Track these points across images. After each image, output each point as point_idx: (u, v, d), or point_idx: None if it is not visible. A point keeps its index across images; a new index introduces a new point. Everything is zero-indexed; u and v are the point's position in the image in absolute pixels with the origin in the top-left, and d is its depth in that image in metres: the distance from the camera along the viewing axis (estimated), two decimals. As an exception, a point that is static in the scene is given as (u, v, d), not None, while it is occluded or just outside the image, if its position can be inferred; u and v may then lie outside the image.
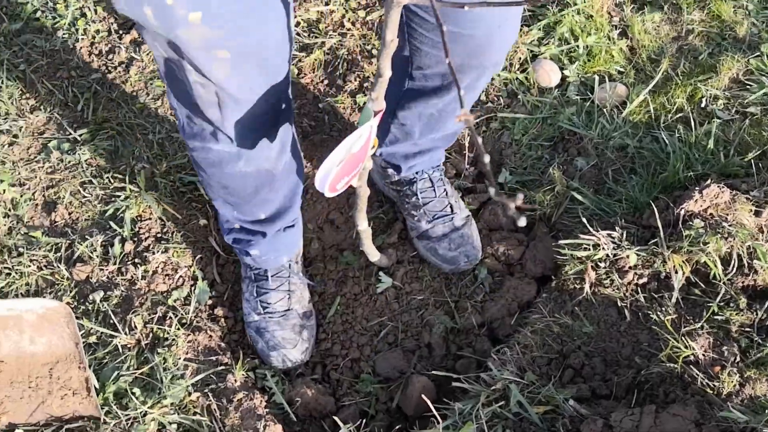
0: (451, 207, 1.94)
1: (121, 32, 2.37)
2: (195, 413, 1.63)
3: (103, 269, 1.87)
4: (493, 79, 2.20)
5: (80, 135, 2.14)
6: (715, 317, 1.62)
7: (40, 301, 1.56)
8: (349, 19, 2.39)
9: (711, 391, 1.51)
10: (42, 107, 2.22)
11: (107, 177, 2.05)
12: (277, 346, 1.80)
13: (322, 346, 1.89)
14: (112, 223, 1.94)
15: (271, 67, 1.31)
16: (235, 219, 1.72)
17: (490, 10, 1.33)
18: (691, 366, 1.55)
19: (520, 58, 2.24)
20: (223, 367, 1.73)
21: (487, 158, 0.75)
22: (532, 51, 2.25)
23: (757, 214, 1.71)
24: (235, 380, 1.70)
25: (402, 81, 1.61)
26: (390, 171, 1.94)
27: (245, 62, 1.24)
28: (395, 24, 0.97)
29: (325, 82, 2.32)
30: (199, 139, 1.47)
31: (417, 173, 1.93)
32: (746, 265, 1.66)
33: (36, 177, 2.06)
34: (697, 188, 1.76)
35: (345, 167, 1.26)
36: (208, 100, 1.32)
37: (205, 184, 1.65)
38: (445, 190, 1.95)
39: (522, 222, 0.80)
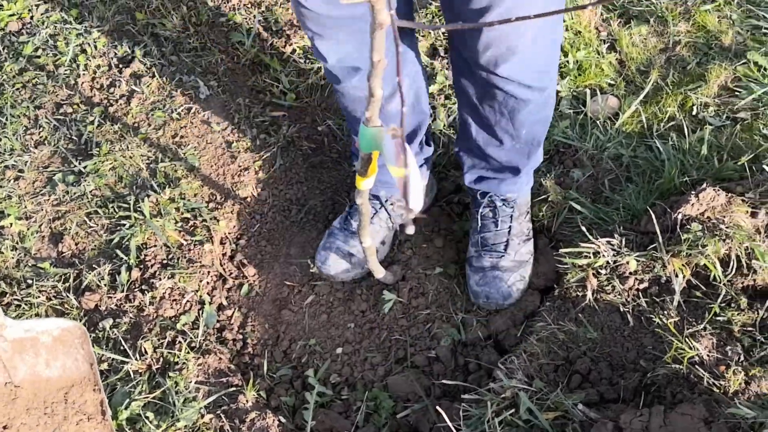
0: (507, 245, 1.88)
1: (121, 66, 2.41)
2: (208, 434, 1.64)
3: (111, 297, 1.90)
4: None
5: (84, 167, 2.17)
6: (718, 318, 1.65)
7: (56, 321, 1.59)
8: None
9: (718, 390, 1.52)
10: (46, 142, 2.26)
11: (112, 207, 2.08)
12: (328, 249, 1.94)
13: (332, 368, 1.89)
14: (118, 252, 1.97)
15: None
16: None
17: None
18: (696, 366, 1.57)
19: (512, 75, 2.28)
20: (234, 389, 1.75)
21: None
22: (524, 68, 2.29)
23: (753, 215, 1.74)
24: (247, 401, 1.72)
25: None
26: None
27: None
28: (381, 45, 1.00)
29: (323, 105, 2.37)
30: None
31: (481, 195, 1.92)
32: (745, 265, 1.68)
33: (42, 210, 2.09)
34: (693, 193, 1.79)
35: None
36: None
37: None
38: (509, 227, 1.89)
39: (410, 230, 1.05)
